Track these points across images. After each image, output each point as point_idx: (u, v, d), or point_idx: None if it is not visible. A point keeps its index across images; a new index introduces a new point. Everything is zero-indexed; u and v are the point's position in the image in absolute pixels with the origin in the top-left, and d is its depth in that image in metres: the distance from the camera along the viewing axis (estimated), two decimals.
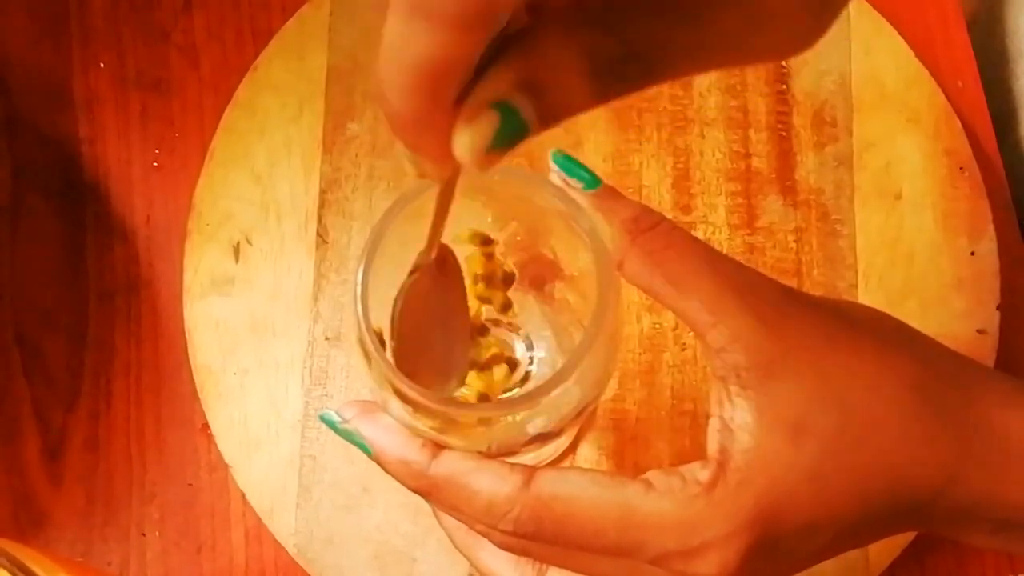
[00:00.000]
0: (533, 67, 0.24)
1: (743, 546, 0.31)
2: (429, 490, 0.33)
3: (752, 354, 0.31)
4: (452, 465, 0.32)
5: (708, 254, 0.33)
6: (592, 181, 0.33)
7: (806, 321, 0.32)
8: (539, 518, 0.31)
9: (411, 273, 0.32)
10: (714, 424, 0.32)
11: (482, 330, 0.39)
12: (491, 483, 0.31)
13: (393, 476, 0.33)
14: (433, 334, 0.34)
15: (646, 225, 0.33)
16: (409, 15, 0.22)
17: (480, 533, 0.33)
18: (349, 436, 0.34)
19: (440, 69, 0.22)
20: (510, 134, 0.24)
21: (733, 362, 0.31)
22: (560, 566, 0.33)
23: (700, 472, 0.31)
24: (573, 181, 0.33)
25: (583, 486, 0.31)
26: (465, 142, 0.24)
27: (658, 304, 0.33)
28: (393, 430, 0.33)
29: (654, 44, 0.25)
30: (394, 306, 0.32)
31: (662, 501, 0.31)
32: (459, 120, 0.24)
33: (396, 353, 0.32)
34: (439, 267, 0.32)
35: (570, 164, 0.33)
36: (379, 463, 0.34)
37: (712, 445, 0.31)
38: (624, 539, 0.31)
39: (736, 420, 0.31)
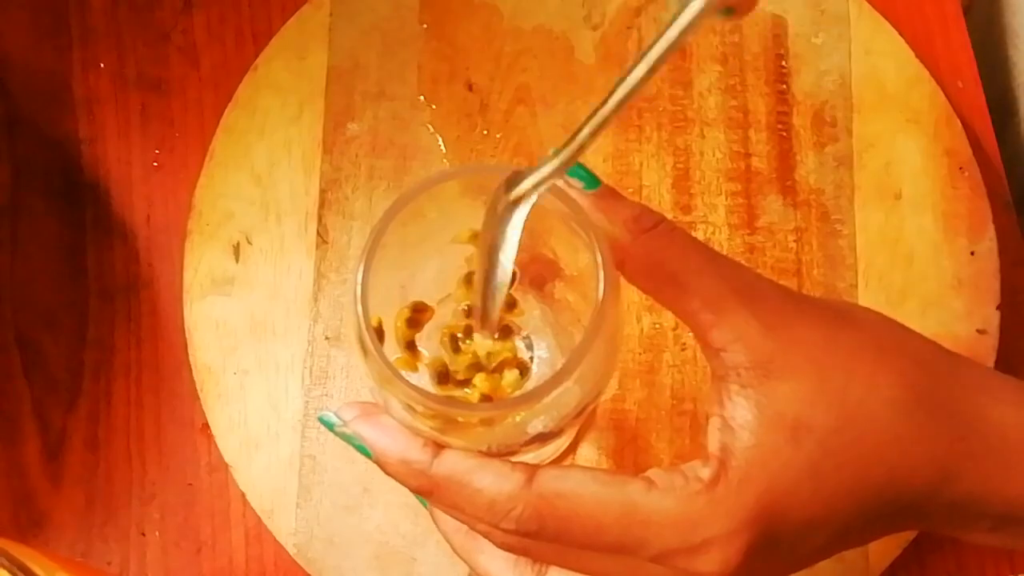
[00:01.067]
0: None
1: (744, 544, 0.31)
2: (431, 489, 0.33)
3: (752, 353, 0.31)
4: (454, 464, 0.32)
5: (708, 254, 0.33)
6: (592, 181, 0.33)
7: (805, 321, 0.32)
8: (541, 516, 0.31)
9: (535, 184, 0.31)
10: (715, 423, 0.32)
11: (506, 332, 0.39)
12: (493, 481, 0.31)
13: (393, 476, 0.33)
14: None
15: (646, 225, 0.33)
16: None
17: (481, 533, 0.33)
18: (348, 439, 0.34)
19: None
20: None
21: (733, 362, 0.31)
22: (561, 565, 0.33)
23: (701, 470, 0.31)
24: (573, 181, 0.33)
25: (585, 484, 0.31)
26: None
27: (658, 304, 0.33)
28: (393, 430, 0.33)
29: None
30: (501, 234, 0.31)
31: (664, 498, 0.31)
32: None
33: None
34: None
35: None
36: (379, 464, 0.34)
37: (713, 443, 0.31)
38: (626, 536, 0.31)
39: (737, 418, 0.31)
